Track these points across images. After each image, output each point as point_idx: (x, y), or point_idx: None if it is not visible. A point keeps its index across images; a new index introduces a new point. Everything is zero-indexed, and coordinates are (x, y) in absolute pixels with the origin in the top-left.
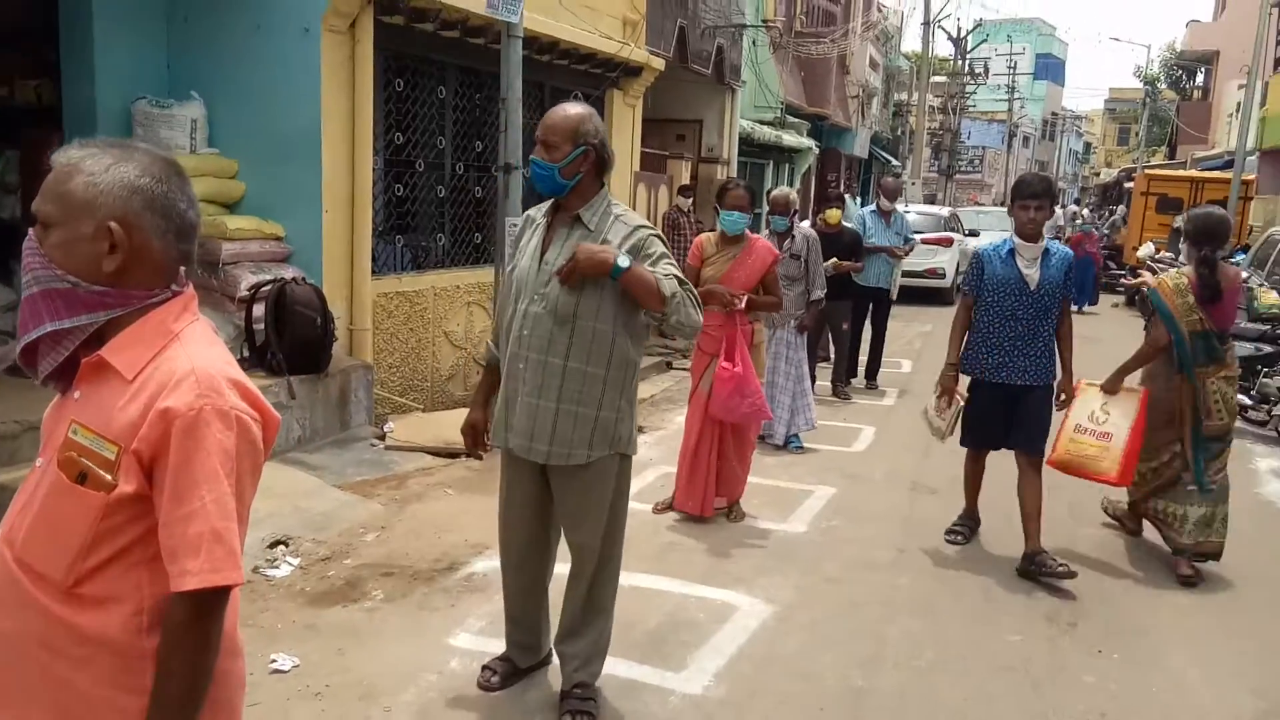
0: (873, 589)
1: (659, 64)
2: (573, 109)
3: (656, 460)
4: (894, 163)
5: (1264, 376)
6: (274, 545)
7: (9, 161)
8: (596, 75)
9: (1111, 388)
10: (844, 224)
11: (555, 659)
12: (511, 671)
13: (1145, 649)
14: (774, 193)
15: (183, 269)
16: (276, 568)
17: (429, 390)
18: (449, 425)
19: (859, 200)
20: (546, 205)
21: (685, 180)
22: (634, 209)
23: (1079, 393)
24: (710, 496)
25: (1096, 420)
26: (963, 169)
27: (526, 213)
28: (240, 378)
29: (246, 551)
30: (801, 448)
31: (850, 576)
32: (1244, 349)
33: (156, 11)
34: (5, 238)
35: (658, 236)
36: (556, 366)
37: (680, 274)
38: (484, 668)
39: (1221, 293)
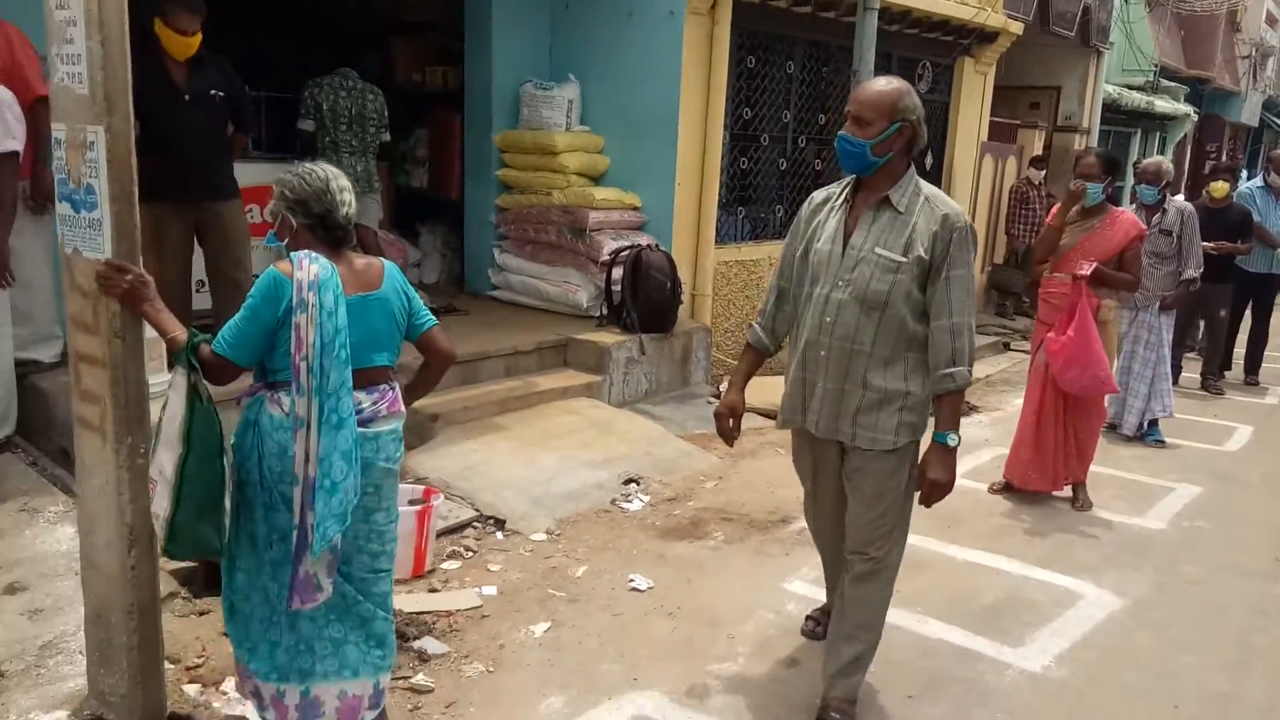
0: (1242, 595)
1: (1017, 28)
2: (889, 83)
3: (992, 441)
4: None
5: None
6: (628, 482)
7: (419, 138)
8: (947, 43)
9: None
10: (1232, 199)
11: None
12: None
13: None
14: (1145, 161)
15: None
16: (630, 502)
17: None
18: (778, 390)
19: (1244, 174)
20: (840, 187)
21: (1037, 151)
22: (979, 181)
23: None
24: (1061, 471)
25: None
26: None
27: (813, 195)
28: None
29: (605, 485)
30: (1161, 441)
31: (1215, 580)
32: None
33: (543, 3)
34: (418, 204)
35: (967, 231)
36: (862, 354)
37: (969, 313)
38: (808, 617)
39: None
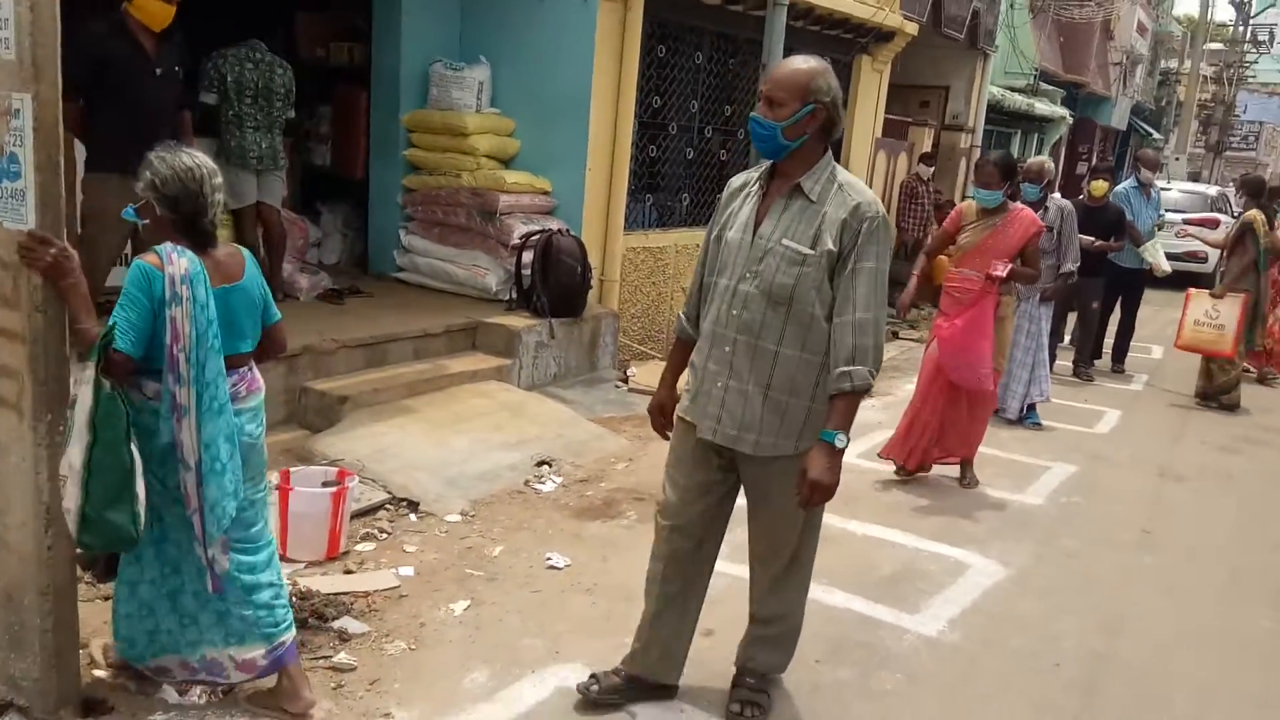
0: (1114, 565)
1: (912, 29)
2: (804, 62)
3: (885, 424)
4: (1155, 136)
5: None
6: (540, 464)
7: (323, 115)
8: (847, 41)
9: (1219, 295)
10: (1109, 198)
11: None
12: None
13: None
14: (1028, 161)
15: None
16: (543, 483)
17: (664, 341)
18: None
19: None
20: (758, 172)
21: (927, 148)
22: (872, 176)
23: (1190, 299)
24: (919, 453)
25: (1210, 316)
26: (1234, 145)
27: (731, 180)
28: None
29: (518, 467)
30: (1039, 424)
31: (1090, 551)
32: None
33: None
34: (319, 183)
35: (879, 222)
36: (768, 351)
37: (881, 289)
38: (591, 675)
39: None
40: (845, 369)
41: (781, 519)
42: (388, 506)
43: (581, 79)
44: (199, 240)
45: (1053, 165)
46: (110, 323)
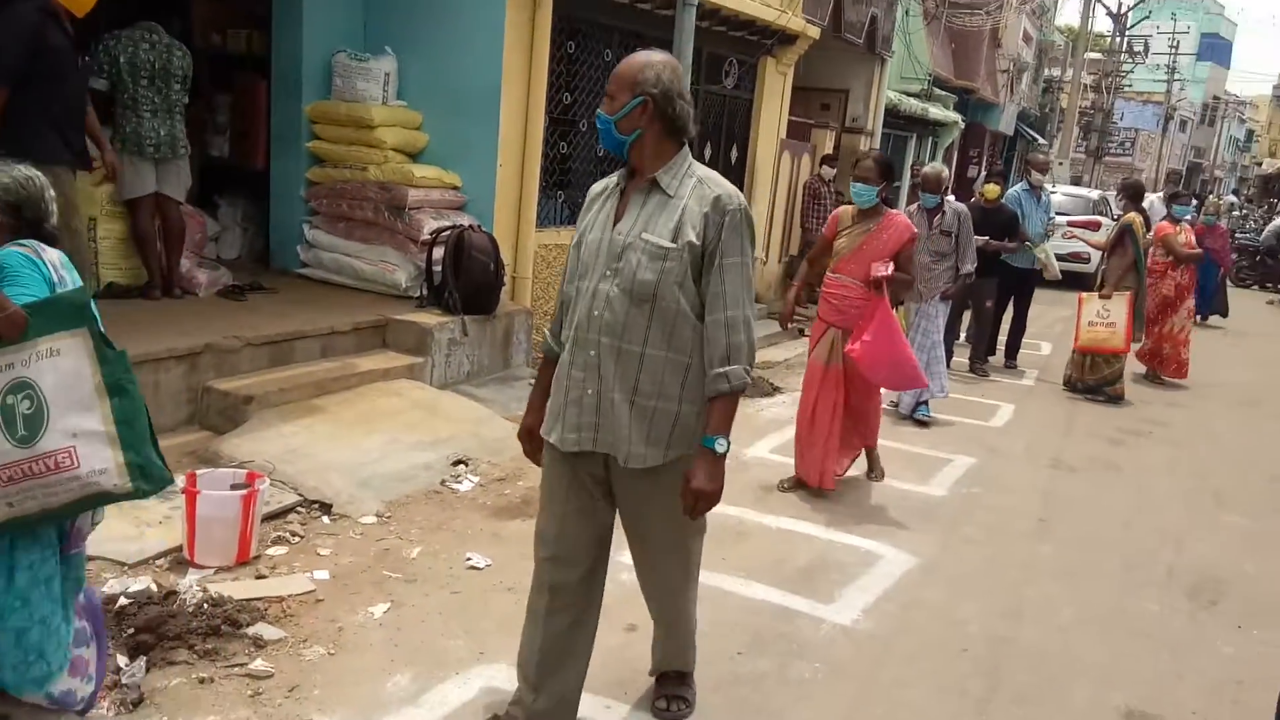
0: (1013, 553)
1: (814, 32)
2: (639, 56)
3: (795, 420)
4: (1040, 140)
5: None
6: (456, 463)
7: (221, 105)
8: (752, 43)
9: (1107, 295)
10: (1003, 201)
11: None
12: None
13: None
14: (925, 169)
15: None
16: (460, 483)
17: None
18: None
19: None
20: (617, 175)
21: (829, 150)
22: (778, 176)
23: (1083, 302)
24: (829, 469)
25: (1102, 315)
26: (1112, 151)
27: (592, 188)
28: None
29: (433, 466)
30: (929, 418)
31: (991, 540)
32: None
33: None
34: (216, 175)
35: (741, 215)
36: (633, 354)
37: (749, 294)
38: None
39: None
40: (721, 370)
41: (659, 534)
42: (299, 509)
43: (491, 74)
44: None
45: (948, 173)
46: (71, 290)
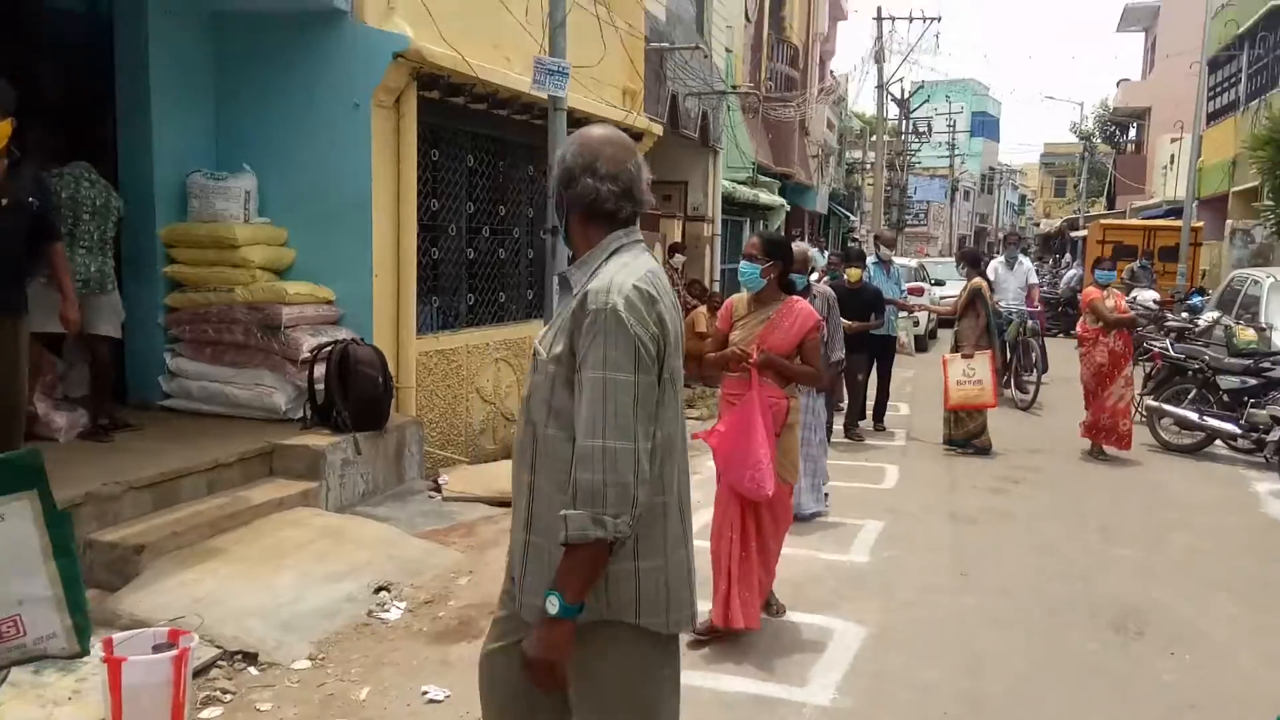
0: (948, 609)
1: (658, 129)
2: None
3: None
4: (851, 217)
5: (1251, 407)
6: (378, 590)
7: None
8: None
9: (969, 355)
10: (865, 281)
11: None
12: None
13: (1212, 650)
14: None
15: None
16: (387, 611)
17: (463, 444)
18: (500, 476)
19: (825, 253)
20: None
21: (677, 238)
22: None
23: (947, 363)
24: (753, 605)
25: (968, 374)
26: (910, 222)
27: None
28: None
29: (356, 598)
30: (823, 512)
31: (924, 600)
32: (1229, 382)
33: (206, 89)
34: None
35: (607, 316)
36: (524, 484)
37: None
38: None
39: None
40: (563, 513)
41: (581, 708)
42: (220, 663)
43: (361, 184)
44: None
45: (815, 253)
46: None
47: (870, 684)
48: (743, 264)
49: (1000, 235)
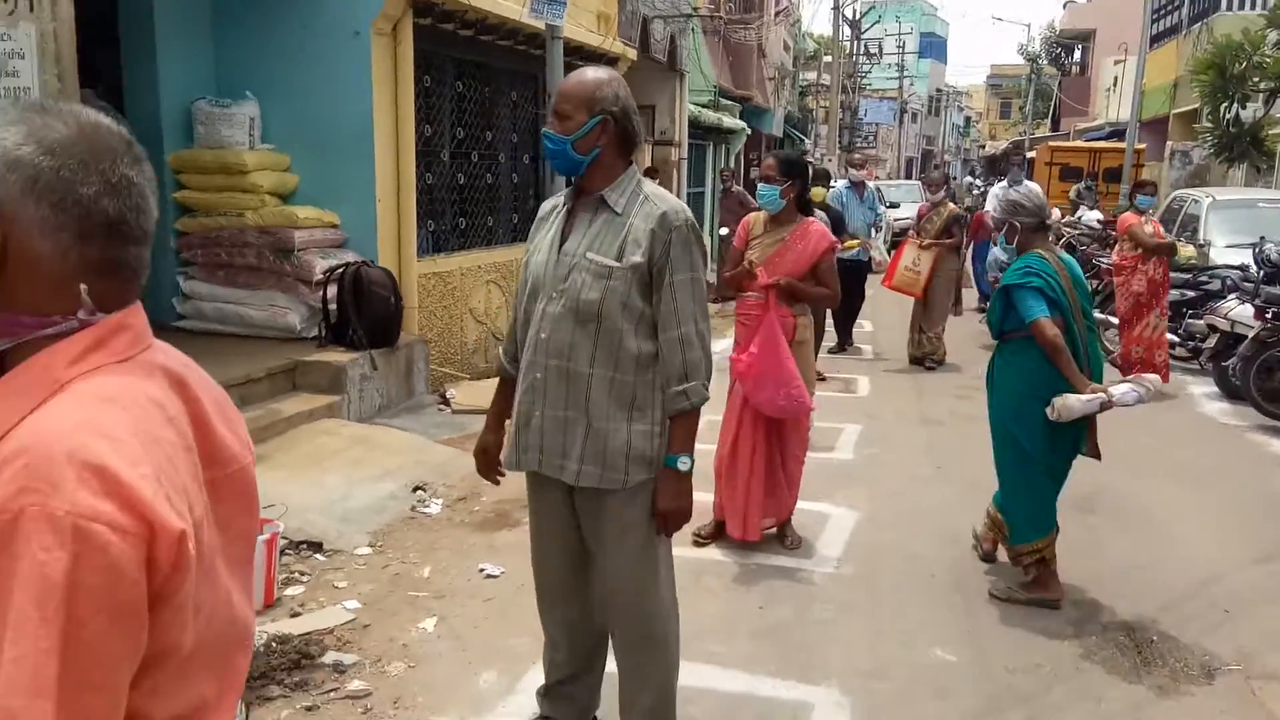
0: (929, 497)
1: (632, 54)
2: (590, 73)
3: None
4: (804, 139)
5: (1189, 318)
6: (416, 490)
7: None
8: (582, 66)
9: (926, 247)
10: (827, 202)
11: None
12: None
13: (1153, 523)
14: (764, 162)
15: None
16: (428, 507)
17: (459, 363)
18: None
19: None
20: (564, 194)
21: (650, 163)
22: None
23: (905, 247)
24: (754, 517)
25: (915, 265)
26: (859, 145)
27: (541, 207)
28: (115, 465)
29: (398, 495)
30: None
31: (907, 489)
32: (1170, 295)
33: (208, 17)
34: None
35: (689, 230)
36: (581, 375)
37: (700, 302)
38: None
39: None
40: (680, 388)
41: (618, 561)
42: (288, 552)
43: (362, 111)
44: None
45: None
46: None
47: (867, 555)
48: (761, 186)
49: (1001, 151)
